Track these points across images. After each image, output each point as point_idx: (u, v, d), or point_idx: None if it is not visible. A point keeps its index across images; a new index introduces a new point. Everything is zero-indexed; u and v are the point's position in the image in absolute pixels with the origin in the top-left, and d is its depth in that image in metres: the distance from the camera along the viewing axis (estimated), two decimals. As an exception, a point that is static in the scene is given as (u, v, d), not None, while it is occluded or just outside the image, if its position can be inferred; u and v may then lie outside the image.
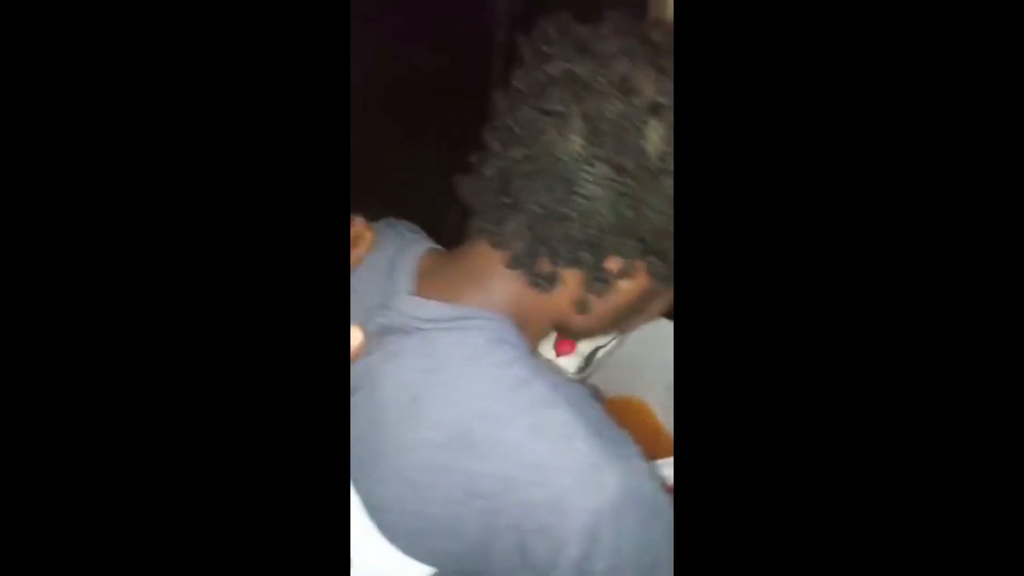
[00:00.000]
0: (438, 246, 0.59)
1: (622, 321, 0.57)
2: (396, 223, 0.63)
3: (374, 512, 0.48)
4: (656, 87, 0.46)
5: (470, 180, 0.52)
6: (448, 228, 0.65)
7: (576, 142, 0.47)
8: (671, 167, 0.46)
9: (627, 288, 0.52)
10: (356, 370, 0.49)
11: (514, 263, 0.50)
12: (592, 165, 0.46)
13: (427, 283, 0.54)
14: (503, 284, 0.52)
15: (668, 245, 0.48)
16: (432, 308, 0.51)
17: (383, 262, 0.56)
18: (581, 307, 0.52)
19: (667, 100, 0.45)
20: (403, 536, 0.47)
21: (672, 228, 0.47)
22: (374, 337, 0.51)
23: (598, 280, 0.50)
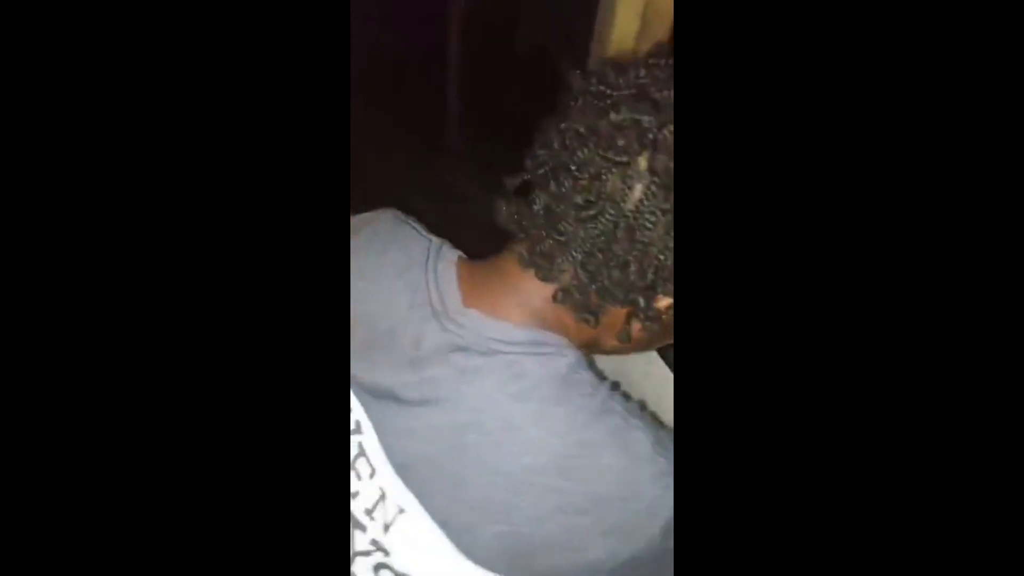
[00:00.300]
0: (462, 252, 0.59)
1: (651, 346, 0.61)
2: (406, 217, 0.62)
3: (452, 530, 0.50)
4: None
5: (511, 208, 0.54)
6: (425, 219, 0.65)
7: (639, 190, 0.48)
8: None
9: (668, 320, 0.54)
10: (420, 381, 0.51)
11: (563, 298, 0.52)
12: (655, 215, 0.47)
13: (472, 297, 0.54)
14: (548, 307, 0.54)
15: None
16: (506, 330, 0.52)
17: (414, 266, 0.56)
18: (623, 336, 0.55)
19: None
20: (484, 552, 0.50)
21: None
22: (438, 351, 0.52)
23: (649, 319, 0.52)
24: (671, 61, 0.51)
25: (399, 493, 0.52)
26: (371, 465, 0.53)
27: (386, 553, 0.53)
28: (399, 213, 0.63)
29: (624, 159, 0.47)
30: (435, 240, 0.59)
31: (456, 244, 0.61)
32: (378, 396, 0.53)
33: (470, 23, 1.87)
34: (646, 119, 0.47)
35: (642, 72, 0.50)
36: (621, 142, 0.47)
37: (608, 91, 0.50)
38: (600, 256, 0.49)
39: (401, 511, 0.52)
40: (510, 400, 0.50)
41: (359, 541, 0.54)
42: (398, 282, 0.55)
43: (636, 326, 0.54)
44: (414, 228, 0.61)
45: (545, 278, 0.52)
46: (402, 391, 0.52)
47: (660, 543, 0.49)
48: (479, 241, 0.62)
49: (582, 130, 0.50)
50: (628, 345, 0.57)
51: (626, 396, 0.54)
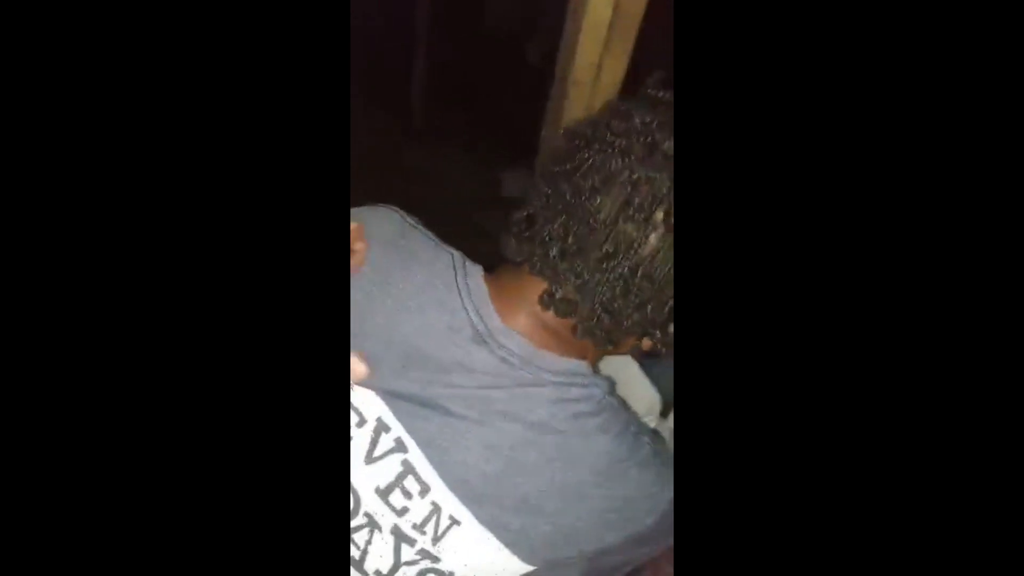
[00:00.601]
0: (481, 267, 0.61)
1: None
2: (413, 221, 0.63)
3: (504, 533, 0.56)
4: None
5: (524, 247, 0.57)
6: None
7: (654, 238, 0.51)
8: None
9: None
10: (473, 401, 0.54)
11: (583, 334, 0.56)
12: (670, 260, 0.51)
13: (508, 318, 0.57)
14: (571, 334, 0.57)
15: None
16: (553, 361, 0.56)
17: (442, 284, 0.57)
18: (634, 352, 0.61)
19: None
20: (529, 548, 0.56)
21: None
22: (488, 374, 0.55)
23: (665, 345, 0.57)
24: (666, 95, 0.54)
25: (454, 507, 0.56)
26: (421, 482, 0.56)
27: (434, 559, 0.58)
28: (403, 214, 0.63)
29: (641, 216, 0.50)
30: (456, 254, 0.60)
31: (427, 224, 0.63)
32: (424, 415, 0.55)
33: (437, 5, 1.84)
34: (659, 175, 0.50)
35: (647, 118, 0.52)
36: (637, 200, 0.50)
37: (615, 139, 0.52)
38: (621, 300, 0.53)
39: (455, 523, 0.56)
40: (564, 422, 0.55)
41: (405, 552, 0.58)
42: (429, 301, 0.56)
43: (647, 343, 0.59)
44: (428, 237, 0.61)
45: (566, 317, 0.56)
46: (454, 411, 0.55)
47: (644, 528, 0.59)
48: (451, 222, 0.64)
49: (596, 183, 0.52)
50: (630, 351, 0.63)
51: (626, 406, 0.61)
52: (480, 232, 0.62)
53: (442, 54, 1.92)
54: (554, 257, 0.54)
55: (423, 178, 1.79)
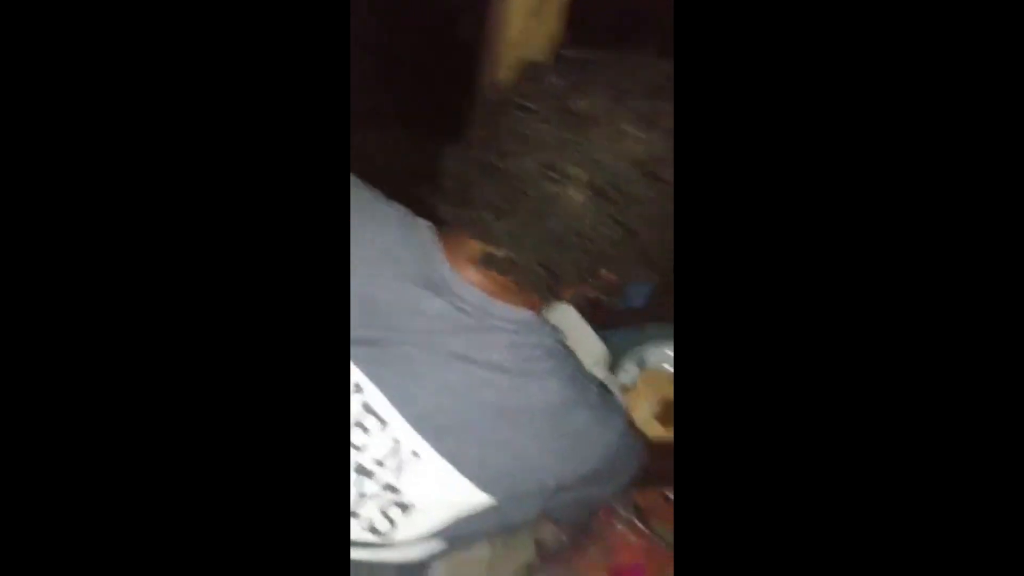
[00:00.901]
0: (429, 223, 0.62)
1: None
2: (359, 180, 0.64)
3: (463, 464, 0.57)
4: (656, 132, 0.52)
5: (461, 212, 0.58)
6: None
7: (581, 198, 0.54)
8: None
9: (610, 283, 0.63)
10: (432, 346, 0.56)
11: (527, 287, 0.58)
12: (599, 216, 0.53)
13: (460, 272, 0.59)
14: (516, 287, 0.59)
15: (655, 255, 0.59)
16: (507, 311, 0.59)
17: (395, 239, 0.59)
18: (576, 298, 0.64)
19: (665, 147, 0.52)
20: (488, 478, 0.58)
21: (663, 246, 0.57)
22: (446, 322, 0.57)
23: (598, 289, 0.61)
24: (582, 54, 0.57)
25: (413, 440, 0.57)
26: (380, 419, 0.57)
27: (395, 491, 0.59)
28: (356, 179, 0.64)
29: (560, 175, 0.53)
30: (403, 209, 0.62)
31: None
32: (381, 359, 0.57)
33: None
34: (572, 136, 0.52)
35: (560, 81, 0.54)
36: (555, 161, 0.53)
37: (528, 104, 0.54)
38: (555, 255, 0.56)
39: (415, 455, 0.58)
40: (517, 365, 0.57)
41: (368, 486, 0.59)
42: (381, 254, 0.58)
43: (586, 288, 0.62)
44: (374, 193, 0.63)
45: (506, 275, 0.58)
46: (411, 355, 0.57)
47: (595, 466, 0.62)
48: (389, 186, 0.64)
49: (515, 147, 0.54)
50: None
51: (572, 354, 0.63)
52: (416, 204, 0.64)
53: (370, 33, 1.88)
54: (488, 221, 0.56)
55: (355, 156, 1.75)
